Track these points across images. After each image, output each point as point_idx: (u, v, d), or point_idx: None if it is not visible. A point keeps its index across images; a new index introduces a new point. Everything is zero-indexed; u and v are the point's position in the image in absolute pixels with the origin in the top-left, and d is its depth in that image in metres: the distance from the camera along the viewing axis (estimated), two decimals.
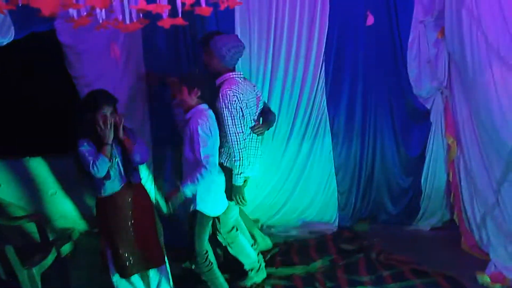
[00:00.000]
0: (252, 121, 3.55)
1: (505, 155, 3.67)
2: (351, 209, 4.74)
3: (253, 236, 3.94)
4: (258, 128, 3.56)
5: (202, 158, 3.11)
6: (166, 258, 3.25)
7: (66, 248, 3.48)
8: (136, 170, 3.13)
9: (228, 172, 3.43)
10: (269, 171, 4.53)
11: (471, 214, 4.16)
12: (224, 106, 3.35)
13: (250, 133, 3.53)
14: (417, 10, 4.28)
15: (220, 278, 3.39)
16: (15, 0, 2.01)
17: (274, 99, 4.37)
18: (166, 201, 3.33)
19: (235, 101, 3.36)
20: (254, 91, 3.62)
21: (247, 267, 3.66)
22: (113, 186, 3.02)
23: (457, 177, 4.39)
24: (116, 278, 3.11)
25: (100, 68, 3.72)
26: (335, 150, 4.63)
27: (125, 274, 3.09)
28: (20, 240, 3.75)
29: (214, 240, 3.60)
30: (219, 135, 3.29)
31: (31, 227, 3.69)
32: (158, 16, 2.08)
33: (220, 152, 3.33)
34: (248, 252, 3.67)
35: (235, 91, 3.38)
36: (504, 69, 3.58)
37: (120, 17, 2.18)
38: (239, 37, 3.65)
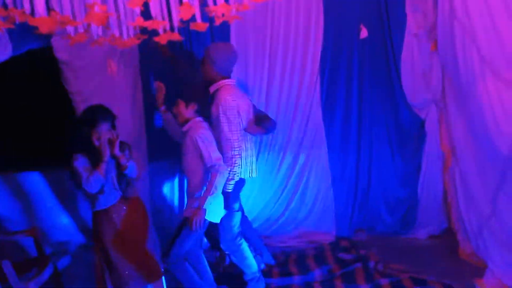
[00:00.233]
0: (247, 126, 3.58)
1: (500, 165, 3.70)
2: (348, 219, 4.75)
3: (255, 247, 3.96)
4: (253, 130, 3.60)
5: (214, 161, 3.17)
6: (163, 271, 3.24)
7: (63, 262, 3.47)
8: (131, 184, 3.13)
9: None
10: (266, 182, 4.57)
11: (467, 223, 4.16)
12: (221, 112, 3.39)
13: (246, 135, 3.56)
14: (410, 23, 4.30)
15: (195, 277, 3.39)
16: (12, 18, 2.04)
17: (270, 111, 4.39)
18: (190, 222, 3.24)
19: (233, 106, 3.41)
20: (247, 97, 3.70)
21: (247, 277, 3.66)
22: (107, 200, 3.03)
23: (453, 187, 4.41)
24: None
25: (96, 85, 3.70)
26: (331, 161, 4.65)
27: None
28: (17, 254, 3.74)
29: (217, 248, 3.62)
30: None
31: (28, 241, 3.68)
32: (155, 31, 2.10)
33: None
34: (250, 261, 3.67)
35: (233, 96, 3.44)
36: (497, 80, 3.61)
37: (117, 33, 2.21)
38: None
